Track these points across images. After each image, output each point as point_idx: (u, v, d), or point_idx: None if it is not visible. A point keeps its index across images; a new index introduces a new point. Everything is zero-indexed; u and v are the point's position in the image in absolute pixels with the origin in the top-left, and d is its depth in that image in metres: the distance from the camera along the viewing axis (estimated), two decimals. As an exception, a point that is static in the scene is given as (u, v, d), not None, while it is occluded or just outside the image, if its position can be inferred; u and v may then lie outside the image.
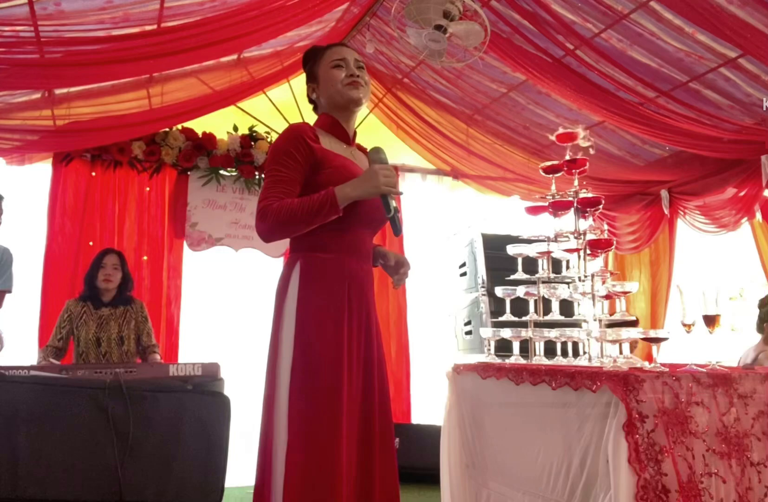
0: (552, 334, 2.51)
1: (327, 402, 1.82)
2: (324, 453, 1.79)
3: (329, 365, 1.84)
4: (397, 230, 1.86)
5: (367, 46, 3.96)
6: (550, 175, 2.73)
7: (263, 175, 4.62)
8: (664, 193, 4.90)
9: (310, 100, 2.07)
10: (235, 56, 4.27)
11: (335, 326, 1.88)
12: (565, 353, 2.61)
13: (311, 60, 2.04)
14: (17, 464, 2.71)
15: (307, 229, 1.84)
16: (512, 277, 2.71)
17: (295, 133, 1.91)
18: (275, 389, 1.86)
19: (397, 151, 4.78)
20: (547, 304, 2.65)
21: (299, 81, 4.75)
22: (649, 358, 2.23)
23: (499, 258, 3.64)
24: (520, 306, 2.72)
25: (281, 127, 4.66)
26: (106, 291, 3.59)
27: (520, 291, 2.66)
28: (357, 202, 1.86)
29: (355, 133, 2.08)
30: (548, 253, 2.62)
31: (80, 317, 3.54)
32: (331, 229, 1.89)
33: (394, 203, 1.85)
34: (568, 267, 2.70)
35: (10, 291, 3.67)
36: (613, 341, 2.22)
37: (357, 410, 1.88)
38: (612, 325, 2.26)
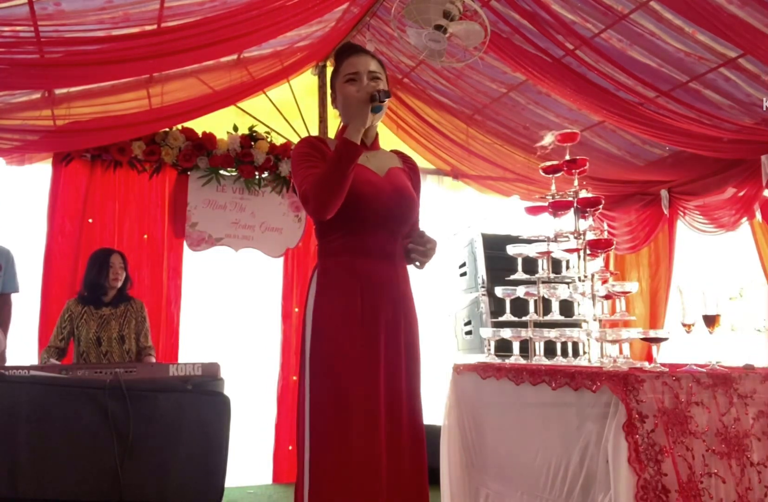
0: (552, 334, 2.51)
1: (336, 403, 1.85)
2: (343, 453, 1.81)
3: (334, 366, 1.87)
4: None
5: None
6: (550, 175, 2.74)
7: (263, 176, 4.66)
8: (663, 193, 4.90)
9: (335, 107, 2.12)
10: (235, 56, 4.27)
11: (344, 328, 1.90)
12: (565, 353, 2.61)
13: (334, 69, 2.09)
14: (17, 464, 2.71)
15: (346, 181, 1.85)
16: (512, 277, 2.72)
17: (307, 139, 2.08)
18: (303, 391, 1.92)
19: (397, 151, 4.77)
20: (547, 304, 2.66)
21: (299, 81, 4.76)
22: (649, 358, 2.23)
23: (499, 258, 3.64)
24: (520, 306, 2.72)
25: (281, 127, 4.70)
26: (111, 290, 3.62)
27: (520, 291, 2.67)
28: (366, 203, 1.92)
29: (376, 137, 2.11)
30: (548, 253, 2.62)
31: (81, 317, 3.55)
32: (344, 234, 1.96)
33: (383, 102, 1.89)
34: (568, 267, 2.71)
35: (17, 291, 3.84)
36: (613, 341, 2.22)
37: (382, 410, 1.88)
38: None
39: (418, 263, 1.99)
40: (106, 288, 3.61)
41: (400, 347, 1.95)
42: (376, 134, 2.11)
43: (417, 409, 1.98)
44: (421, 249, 1.95)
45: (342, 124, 2.07)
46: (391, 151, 2.21)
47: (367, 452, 1.82)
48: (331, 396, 1.86)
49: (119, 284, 3.64)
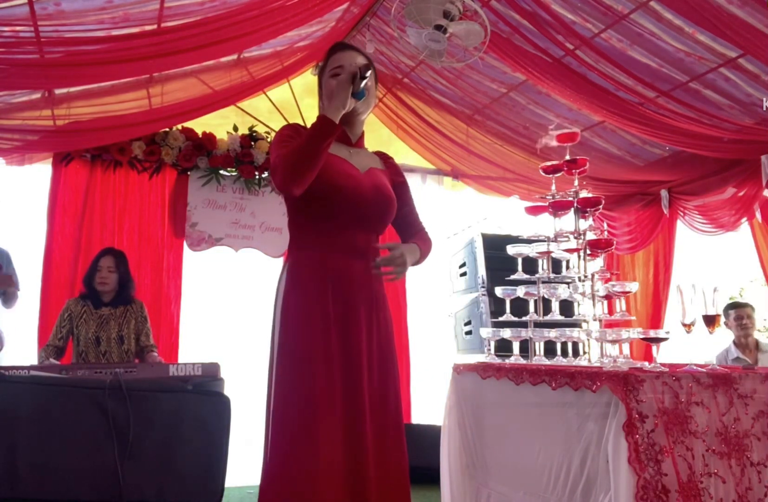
0: (552, 334, 2.51)
1: (299, 400, 1.81)
2: (297, 450, 1.78)
3: (302, 361, 1.84)
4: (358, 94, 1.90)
5: (367, 46, 3.96)
6: (550, 175, 2.73)
7: (263, 176, 4.66)
8: (663, 193, 4.90)
9: None
10: (235, 56, 4.27)
11: (311, 324, 1.87)
12: (565, 353, 2.61)
13: (321, 67, 2.08)
14: (17, 464, 2.71)
15: (318, 156, 1.81)
16: (512, 277, 2.71)
17: (291, 125, 2.06)
18: (270, 386, 1.89)
19: (397, 151, 4.78)
20: (547, 304, 2.65)
21: (299, 81, 4.76)
22: (649, 358, 2.24)
23: (499, 258, 3.63)
24: (520, 306, 2.72)
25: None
26: (103, 293, 3.59)
27: (520, 291, 2.66)
28: (344, 196, 1.90)
29: (362, 135, 2.10)
30: (548, 253, 2.62)
31: (80, 316, 3.54)
32: (318, 227, 1.93)
33: (363, 85, 1.87)
34: (568, 267, 2.71)
35: (18, 289, 3.82)
36: (613, 341, 2.22)
37: (340, 410, 1.84)
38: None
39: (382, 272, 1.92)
40: (96, 290, 3.58)
41: (373, 347, 1.92)
42: (362, 133, 2.10)
43: (389, 406, 1.93)
44: (388, 258, 1.88)
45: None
46: (374, 152, 2.18)
47: (329, 457, 1.77)
48: (297, 400, 1.82)
49: (107, 288, 3.57)
